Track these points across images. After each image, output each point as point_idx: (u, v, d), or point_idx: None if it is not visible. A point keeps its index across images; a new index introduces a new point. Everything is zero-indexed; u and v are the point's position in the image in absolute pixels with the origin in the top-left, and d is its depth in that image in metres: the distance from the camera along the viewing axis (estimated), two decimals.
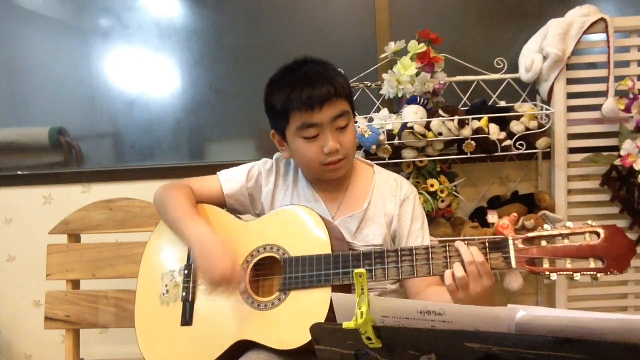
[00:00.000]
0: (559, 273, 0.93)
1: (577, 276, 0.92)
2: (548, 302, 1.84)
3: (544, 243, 0.96)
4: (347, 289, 1.08)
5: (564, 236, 0.95)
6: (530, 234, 0.97)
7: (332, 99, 1.14)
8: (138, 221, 1.61)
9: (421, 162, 1.67)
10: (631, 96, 1.63)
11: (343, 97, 1.17)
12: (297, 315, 1.07)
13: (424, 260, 1.03)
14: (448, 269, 1.00)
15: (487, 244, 0.99)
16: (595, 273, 0.92)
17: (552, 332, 0.66)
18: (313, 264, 1.09)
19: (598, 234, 0.93)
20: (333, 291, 1.06)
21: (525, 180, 1.85)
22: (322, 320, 1.02)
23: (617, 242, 0.92)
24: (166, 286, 1.21)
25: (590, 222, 0.95)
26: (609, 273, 0.91)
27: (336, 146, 1.15)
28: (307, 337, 0.99)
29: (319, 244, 1.11)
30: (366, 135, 1.58)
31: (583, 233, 0.94)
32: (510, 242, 0.98)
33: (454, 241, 1.09)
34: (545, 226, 0.98)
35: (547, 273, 0.94)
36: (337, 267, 1.08)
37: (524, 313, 0.68)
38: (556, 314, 0.68)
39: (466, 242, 1.01)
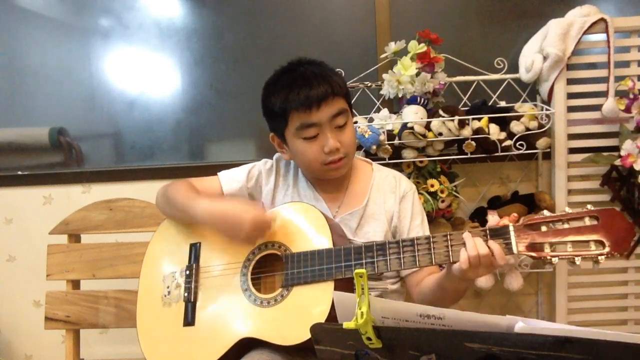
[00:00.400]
0: (560, 257, 0.94)
1: (578, 260, 0.92)
2: (548, 301, 1.84)
3: (544, 228, 0.96)
4: (350, 282, 1.08)
5: (563, 221, 0.95)
6: (530, 220, 0.97)
7: (329, 97, 1.14)
8: (138, 221, 1.61)
9: (421, 162, 1.67)
10: (631, 96, 1.63)
11: (340, 95, 1.17)
12: (300, 310, 1.07)
13: (425, 250, 1.04)
14: (450, 258, 1.01)
15: (487, 231, 0.99)
16: (596, 256, 0.92)
17: None
18: (315, 258, 1.10)
19: (597, 218, 0.93)
20: (335, 285, 1.06)
21: (525, 180, 1.85)
22: (325, 315, 1.02)
23: (616, 224, 0.92)
24: (168, 287, 1.21)
25: (589, 205, 0.95)
26: (609, 255, 0.91)
27: (336, 145, 1.16)
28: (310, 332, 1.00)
29: (320, 240, 1.12)
30: (366, 135, 1.59)
31: (582, 217, 0.94)
32: (511, 227, 0.98)
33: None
34: (545, 211, 0.98)
35: (549, 257, 0.94)
36: (339, 260, 1.08)
37: (522, 324, 0.68)
38: (554, 327, 0.68)
39: (467, 231, 1.01)
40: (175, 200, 1.22)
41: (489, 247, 0.97)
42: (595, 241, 0.92)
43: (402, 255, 1.05)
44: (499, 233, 0.99)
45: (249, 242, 1.14)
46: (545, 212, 0.97)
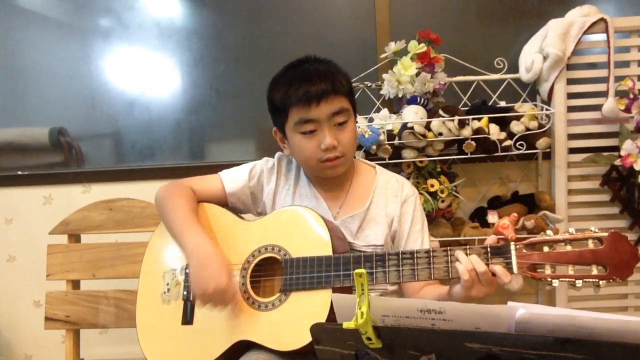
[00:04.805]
0: (560, 279, 0.92)
1: (579, 283, 0.91)
2: (548, 302, 1.84)
3: (545, 249, 0.95)
4: (348, 290, 1.08)
5: (566, 242, 0.93)
6: (532, 239, 0.96)
7: (330, 95, 1.14)
8: (138, 221, 1.60)
9: (421, 162, 1.67)
10: (631, 96, 1.63)
11: (341, 94, 1.17)
12: (296, 317, 1.07)
13: (425, 264, 1.03)
14: (449, 273, 1.00)
15: (488, 249, 0.98)
16: (597, 280, 0.90)
17: (551, 331, 0.66)
18: (314, 265, 1.09)
19: (601, 240, 0.91)
20: (333, 293, 1.06)
21: (525, 180, 1.85)
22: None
23: (619, 248, 0.90)
24: (167, 284, 1.21)
25: (593, 228, 0.93)
26: (611, 280, 0.90)
27: (333, 142, 1.15)
28: (306, 339, 0.99)
29: (320, 245, 1.11)
30: (366, 135, 1.59)
31: (585, 239, 0.92)
32: (512, 247, 0.97)
33: (455, 242, 1.09)
34: (548, 232, 0.96)
35: (549, 279, 0.93)
36: (338, 268, 1.08)
37: (524, 311, 0.68)
38: (556, 312, 0.68)
39: (467, 247, 1.00)
40: (170, 219, 1.21)
41: (491, 271, 0.96)
42: (598, 265, 0.91)
43: (400, 268, 1.04)
44: (500, 252, 0.97)
45: (201, 302, 1.11)
46: (549, 232, 0.96)
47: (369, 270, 1.05)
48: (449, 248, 1.02)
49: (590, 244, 0.92)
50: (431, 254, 1.03)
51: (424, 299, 0.74)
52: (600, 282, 0.90)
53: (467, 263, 0.97)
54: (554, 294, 1.77)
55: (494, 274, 0.96)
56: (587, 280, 0.91)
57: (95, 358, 1.82)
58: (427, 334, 0.72)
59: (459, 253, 0.99)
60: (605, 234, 0.91)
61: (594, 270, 0.91)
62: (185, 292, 1.18)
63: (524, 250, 0.96)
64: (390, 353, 0.76)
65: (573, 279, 0.92)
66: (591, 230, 0.93)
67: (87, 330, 1.62)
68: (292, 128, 1.18)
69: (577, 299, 1.80)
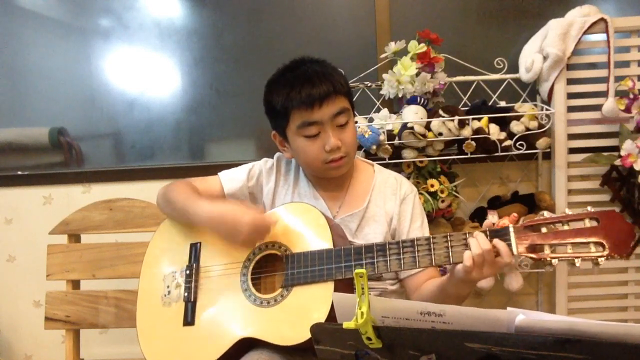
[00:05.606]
0: (560, 258, 0.94)
1: (578, 261, 0.92)
2: (548, 301, 1.84)
3: (544, 229, 0.96)
4: (350, 282, 1.08)
5: (563, 222, 0.95)
6: (530, 221, 0.97)
7: (332, 96, 1.14)
8: (138, 221, 1.61)
9: (421, 162, 1.67)
10: (631, 96, 1.63)
11: (342, 94, 1.17)
12: (299, 311, 1.07)
13: (425, 251, 1.03)
14: (450, 258, 1.01)
15: (487, 232, 0.99)
16: (596, 258, 0.92)
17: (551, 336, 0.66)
18: (315, 259, 1.10)
19: (597, 219, 0.93)
20: (335, 285, 1.06)
21: (525, 180, 1.85)
22: (325, 315, 1.02)
23: (616, 226, 0.92)
24: (167, 287, 1.21)
25: (589, 207, 0.95)
26: (609, 257, 0.91)
27: (337, 143, 1.16)
28: (309, 332, 0.99)
29: (320, 241, 1.11)
30: (366, 135, 1.59)
31: (582, 219, 0.94)
32: (511, 228, 0.98)
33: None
34: (545, 213, 0.98)
35: (548, 259, 0.94)
36: (339, 261, 1.08)
37: (523, 317, 0.68)
38: (555, 318, 0.68)
39: (467, 233, 1.01)
40: (175, 201, 1.22)
41: (494, 246, 0.97)
42: (595, 243, 0.92)
43: (402, 256, 1.05)
44: (499, 234, 0.99)
45: (247, 245, 1.14)
46: (545, 213, 0.97)
47: (370, 260, 1.06)
48: (448, 234, 1.03)
49: (587, 223, 0.94)
50: (431, 241, 1.04)
51: (424, 302, 0.74)
52: (599, 259, 0.91)
53: (476, 248, 0.97)
54: (554, 293, 1.77)
55: (496, 255, 0.97)
56: (586, 258, 0.92)
57: (95, 358, 1.82)
58: (427, 334, 0.72)
59: (472, 240, 0.99)
60: (601, 213, 0.93)
61: (592, 249, 0.92)
62: (186, 294, 1.18)
63: (523, 232, 0.97)
64: (390, 353, 0.76)
65: (572, 257, 0.93)
66: (587, 210, 0.94)
67: (87, 330, 1.62)
68: (295, 131, 1.18)
69: (578, 299, 1.80)
